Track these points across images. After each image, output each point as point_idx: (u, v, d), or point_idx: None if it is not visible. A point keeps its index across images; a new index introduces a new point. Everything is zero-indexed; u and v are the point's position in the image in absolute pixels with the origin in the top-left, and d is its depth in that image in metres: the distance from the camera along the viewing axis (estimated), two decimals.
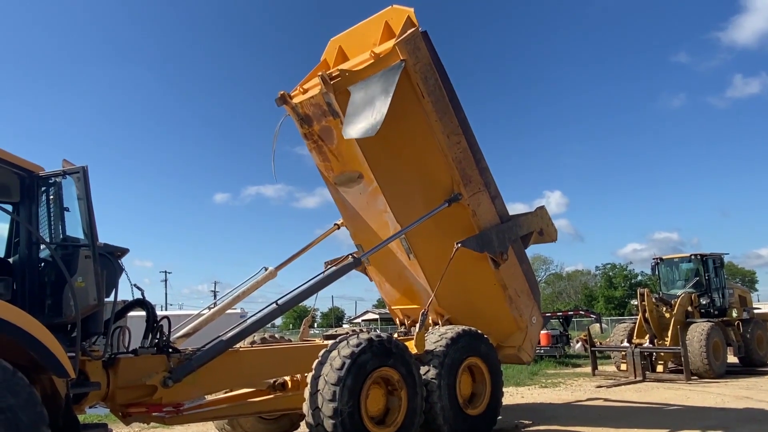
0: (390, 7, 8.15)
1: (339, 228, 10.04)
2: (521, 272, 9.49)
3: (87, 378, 5.53)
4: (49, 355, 4.59)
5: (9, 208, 5.51)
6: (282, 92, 8.61)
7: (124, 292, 6.05)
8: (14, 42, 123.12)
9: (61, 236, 5.59)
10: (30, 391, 4.37)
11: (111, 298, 5.66)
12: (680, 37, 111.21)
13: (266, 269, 8.93)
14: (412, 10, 7.90)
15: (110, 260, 5.70)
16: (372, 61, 7.78)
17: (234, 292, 8.75)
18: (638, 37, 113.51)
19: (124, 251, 6.01)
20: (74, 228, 5.59)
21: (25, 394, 4.32)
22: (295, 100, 8.52)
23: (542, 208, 9.99)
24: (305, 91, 8.57)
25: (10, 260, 5.58)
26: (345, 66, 8.19)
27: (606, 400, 12.12)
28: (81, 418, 5.50)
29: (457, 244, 8.31)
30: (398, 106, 7.38)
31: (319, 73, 7.77)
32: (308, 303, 8.24)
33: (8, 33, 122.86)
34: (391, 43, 7.72)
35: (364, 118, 7.06)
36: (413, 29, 7.71)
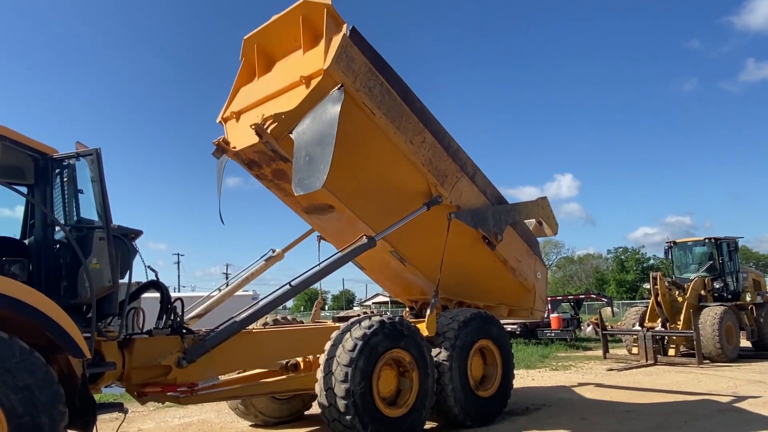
0: (301, 0, 6.93)
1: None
2: (517, 236, 9.22)
3: (103, 358, 5.62)
4: (65, 335, 4.65)
5: (24, 190, 5.56)
6: (217, 141, 7.68)
7: (138, 274, 6.10)
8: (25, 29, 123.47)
9: (76, 218, 5.64)
10: (47, 371, 4.45)
11: (125, 279, 5.70)
12: (692, 23, 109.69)
13: (273, 251, 8.93)
14: (329, 1, 6.75)
15: (124, 242, 5.74)
16: (306, 91, 6.73)
17: (242, 274, 8.78)
18: (651, 23, 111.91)
19: (137, 233, 6.04)
20: (88, 210, 5.63)
21: (41, 374, 4.39)
22: (234, 143, 7.57)
23: (544, 198, 9.72)
24: (237, 116, 7.70)
25: (26, 242, 5.65)
26: (273, 87, 7.27)
27: (617, 382, 12.11)
28: (97, 397, 5.58)
29: (450, 214, 8.04)
30: (350, 132, 6.81)
31: (252, 125, 6.82)
32: (316, 285, 8.16)
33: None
34: (319, 62, 6.64)
35: (311, 170, 6.27)
36: (340, 38, 6.63)
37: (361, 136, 7.23)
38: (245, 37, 7.75)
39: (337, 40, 6.66)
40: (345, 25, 6.82)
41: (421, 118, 7.68)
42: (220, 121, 8.02)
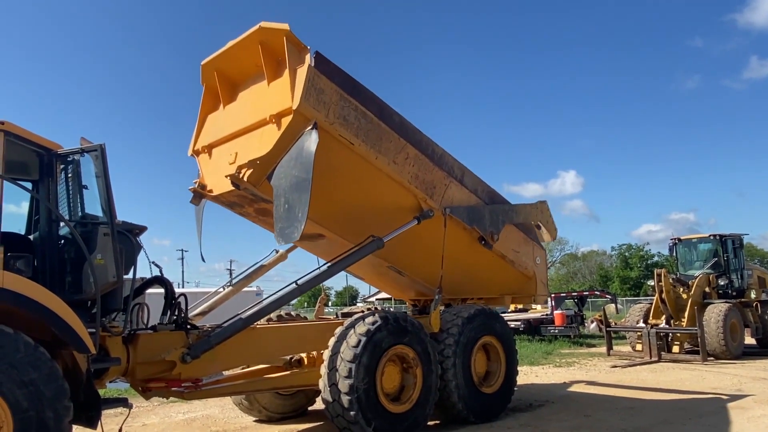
0: (257, 27, 6.48)
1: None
2: (511, 226, 9.11)
3: (107, 353, 5.64)
4: (70, 330, 4.68)
5: (29, 186, 5.57)
6: (193, 188, 7.48)
7: (143, 270, 6.11)
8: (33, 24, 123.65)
9: (80, 214, 5.66)
10: (52, 366, 4.48)
11: (130, 275, 5.72)
12: (696, 21, 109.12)
13: (277, 252, 8.91)
14: (286, 27, 6.29)
15: (129, 238, 5.76)
16: (278, 132, 6.35)
17: (246, 272, 8.76)
18: (654, 20, 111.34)
19: (142, 229, 6.06)
20: (93, 206, 5.65)
21: (46, 369, 4.43)
22: (210, 186, 7.36)
23: (543, 202, 9.68)
24: (209, 151, 7.45)
25: (31, 237, 5.67)
26: (242, 122, 6.92)
27: (620, 379, 12.10)
28: (102, 392, 5.61)
29: (446, 209, 7.94)
30: (331, 164, 6.61)
31: (228, 176, 6.55)
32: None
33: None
34: (287, 98, 6.26)
35: (290, 218, 6.04)
36: (305, 71, 6.20)
37: (343, 165, 6.99)
38: (203, 63, 7.34)
39: (302, 73, 6.23)
40: (308, 54, 6.37)
41: (401, 134, 7.38)
42: (191, 155, 7.79)
